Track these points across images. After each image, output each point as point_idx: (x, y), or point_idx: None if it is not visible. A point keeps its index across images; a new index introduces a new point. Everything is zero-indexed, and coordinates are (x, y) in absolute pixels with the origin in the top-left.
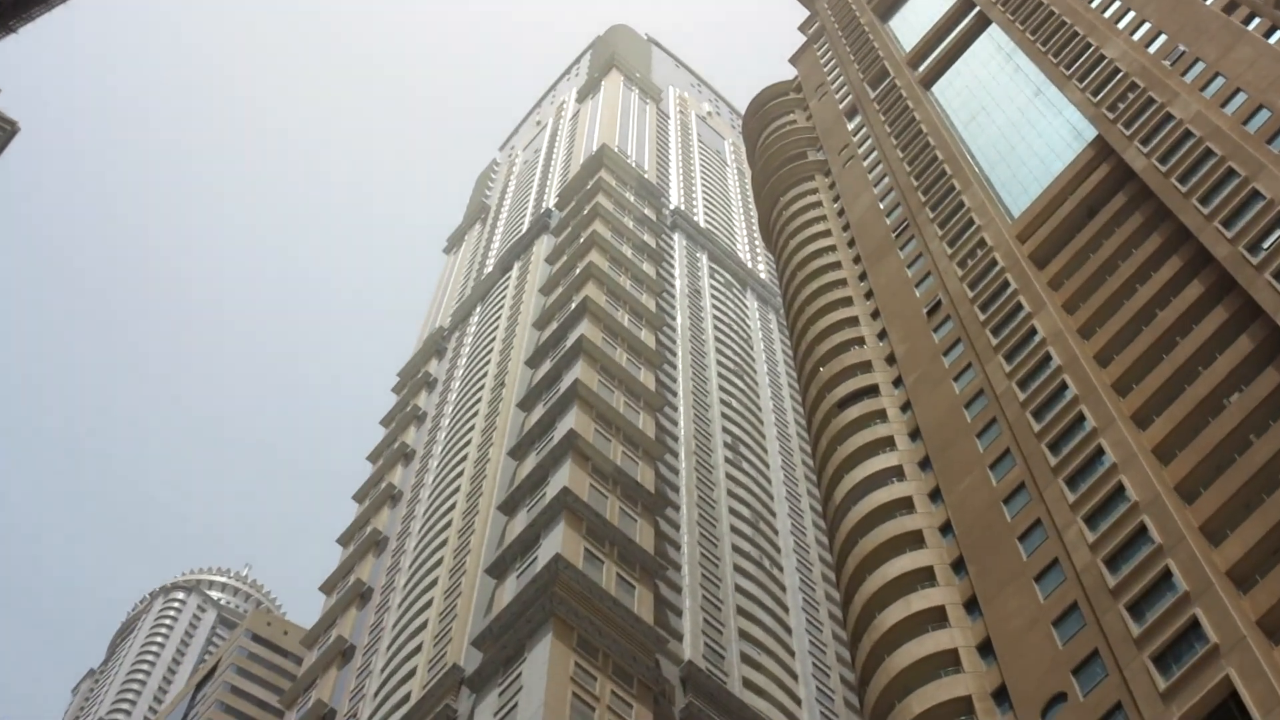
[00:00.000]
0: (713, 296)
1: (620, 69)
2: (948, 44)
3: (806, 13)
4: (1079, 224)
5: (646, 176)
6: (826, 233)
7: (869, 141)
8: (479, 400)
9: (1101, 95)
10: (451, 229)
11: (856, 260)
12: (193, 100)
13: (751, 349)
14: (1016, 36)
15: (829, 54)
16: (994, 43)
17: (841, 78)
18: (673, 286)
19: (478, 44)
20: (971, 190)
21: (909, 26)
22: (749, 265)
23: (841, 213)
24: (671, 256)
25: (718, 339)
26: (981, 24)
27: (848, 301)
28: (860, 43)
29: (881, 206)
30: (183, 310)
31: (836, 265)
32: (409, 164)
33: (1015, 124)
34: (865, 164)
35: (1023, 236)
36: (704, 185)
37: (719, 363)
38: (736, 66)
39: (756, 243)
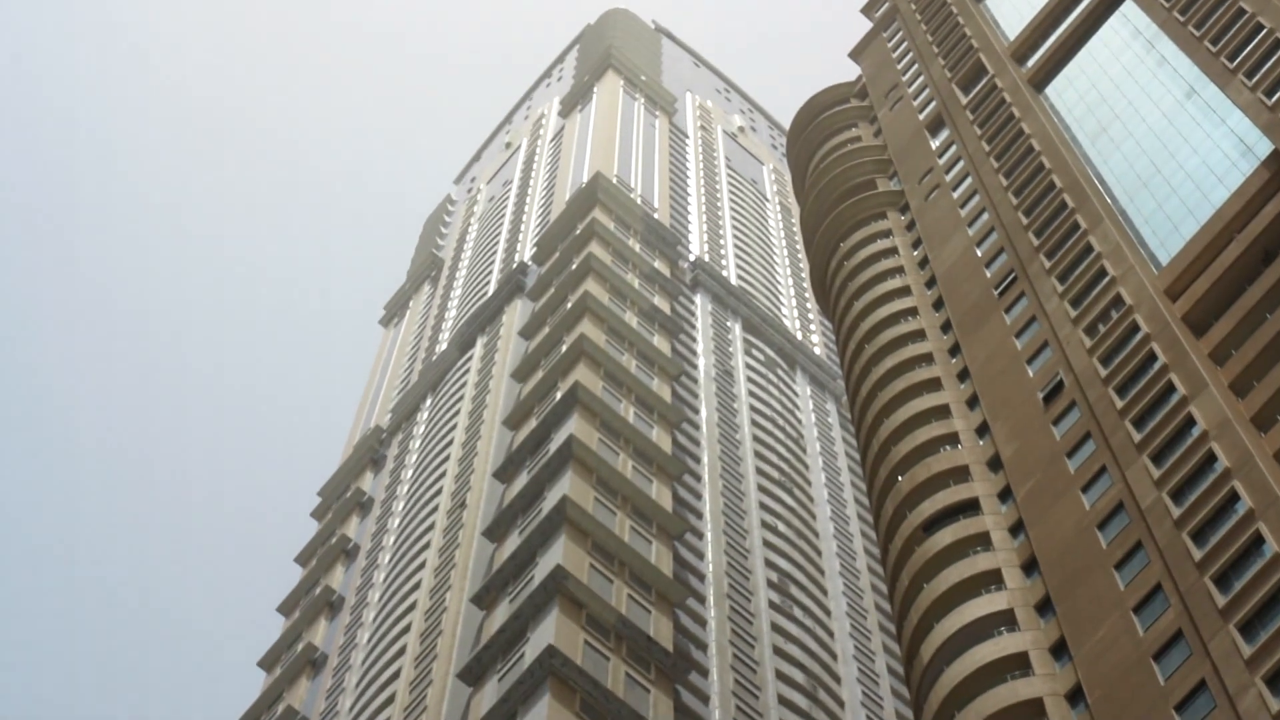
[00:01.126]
0: (750, 380)
1: (619, 69)
2: (1066, 29)
3: None
4: (1251, 273)
5: (656, 217)
6: (904, 290)
7: (960, 164)
8: (430, 527)
9: None
10: (390, 292)
11: (945, 327)
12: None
13: (804, 452)
14: (1160, 17)
15: (904, 45)
16: (1129, 26)
17: (922, 77)
18: (694, 367)
19: (425, 44)
20: (1102, 229)
21: (1012, 5)
22: (798, 336)
23: (924, 263)
24: (693, 326)
25: (757, 439)
26: (1112, 0)
27: (934, 384)
28: (948, 29)
29: (979, 253)
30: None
31: (918, 335)
32: (331, 201)
33: (1161, 137)
34: (956, 195)
35: (1173, 292)
36: (735, 228)
37: (759, 471)
38: (777, 64)
39: (809, 304)
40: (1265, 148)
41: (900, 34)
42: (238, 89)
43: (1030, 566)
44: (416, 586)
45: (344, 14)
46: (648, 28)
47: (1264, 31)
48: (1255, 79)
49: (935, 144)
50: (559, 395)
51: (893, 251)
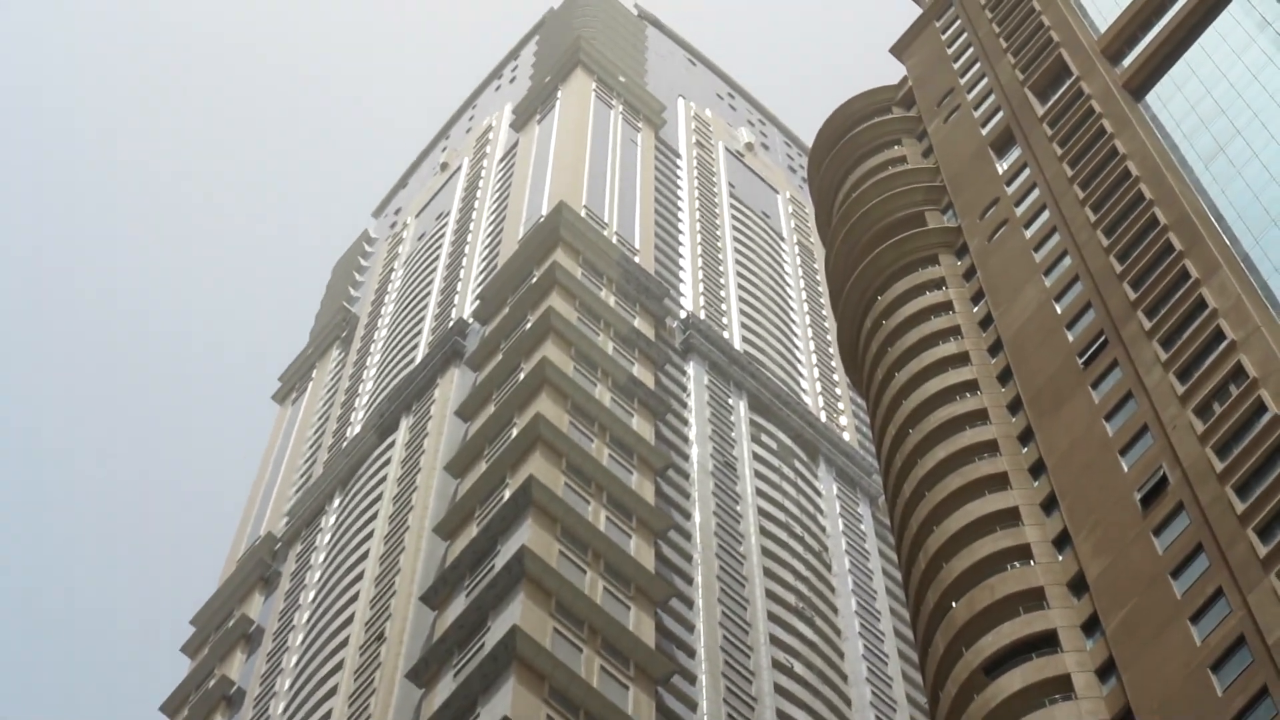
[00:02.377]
0: (758, 475)
1: (591, 66)
2: (1173, 18)
3: None
4: None
5: (638, 261)
6: (960, 357)
7: (1035, 193)
8: (336, 668)
9: None
10: (287, 358)
11: (1014, 406)
12: None
13: (828, 569)
14: None
15: (963, 38)
16: (1254, 15)
17: (986, 80)
18: (685, 458)
19: (335, 35)
20: (1219, 279)
21: None
22: (822, 418)
23: (987, 321)
24: (684, 404)
25: (767, 552)
26: None
27: (999, 481)
28: (1020, 17)
29: (1059, 310)
30: None
31: (978, 416)
32: (211, 237)
33: None
34: (1029, 234)
35: None
36: (741, 275)
37: (770, 594)
38: (797, 62)
39: (836, 375)
40: None
41: (958, 23)
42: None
43: None
44: None
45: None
46: (628, 13)
47: None
48: None
49: (1003, 167)
50: (507, 495)
51: (946, 307)
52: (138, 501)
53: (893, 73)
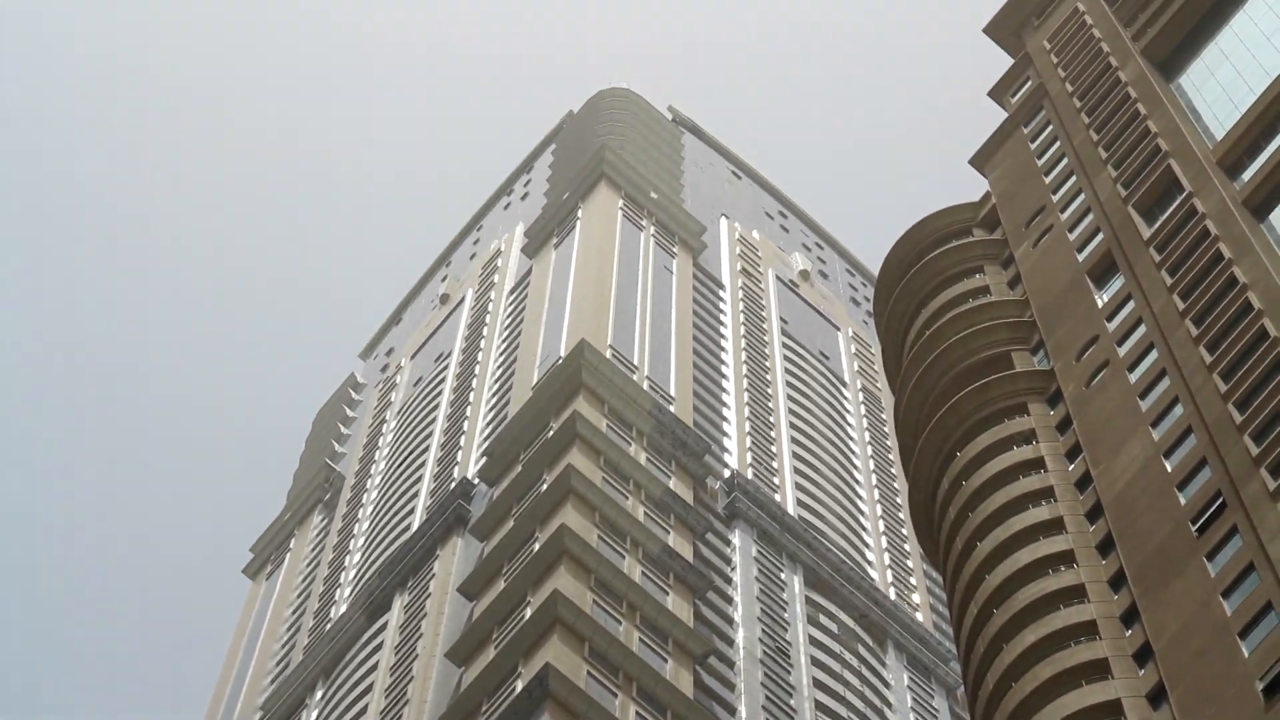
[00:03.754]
0: (815, 663)
1: (617, 180)
2: None
3: (1003, 61)
4: None
5: (673, 410)
6: (1054, 524)
7: (1141, 330)
8: None
9: None
10: (260, 526)
11: (1117, 582)
12: None
13: None
14: None
15: (1056, 146)
16: None
17: (1082, 196)
18: (730, 643)
19: (318, 142)
20: None
21: (1221, 87)
22: (891, 596)
23: (1085, 481)
24: (728, 576)
25: None
26: None
27: (1099, 668)
28: (1123, 121)
29: (1168, 467)
30: None
31: (1074, 594)
32: (176, 399)
33: None
34: (1134, 378)
35: None
36: (795, 428)
37: None
38: (862, 175)
39: (908, 546)
40: None
41: (1050, 130)
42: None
43: None
44: None
45: (204, 108)
46: (662, 118)
47: None
48: None
49: (1103, 299)
50: (520, 687)
51: (1037, 464)
52: (100, 694)
53: (973, 188)
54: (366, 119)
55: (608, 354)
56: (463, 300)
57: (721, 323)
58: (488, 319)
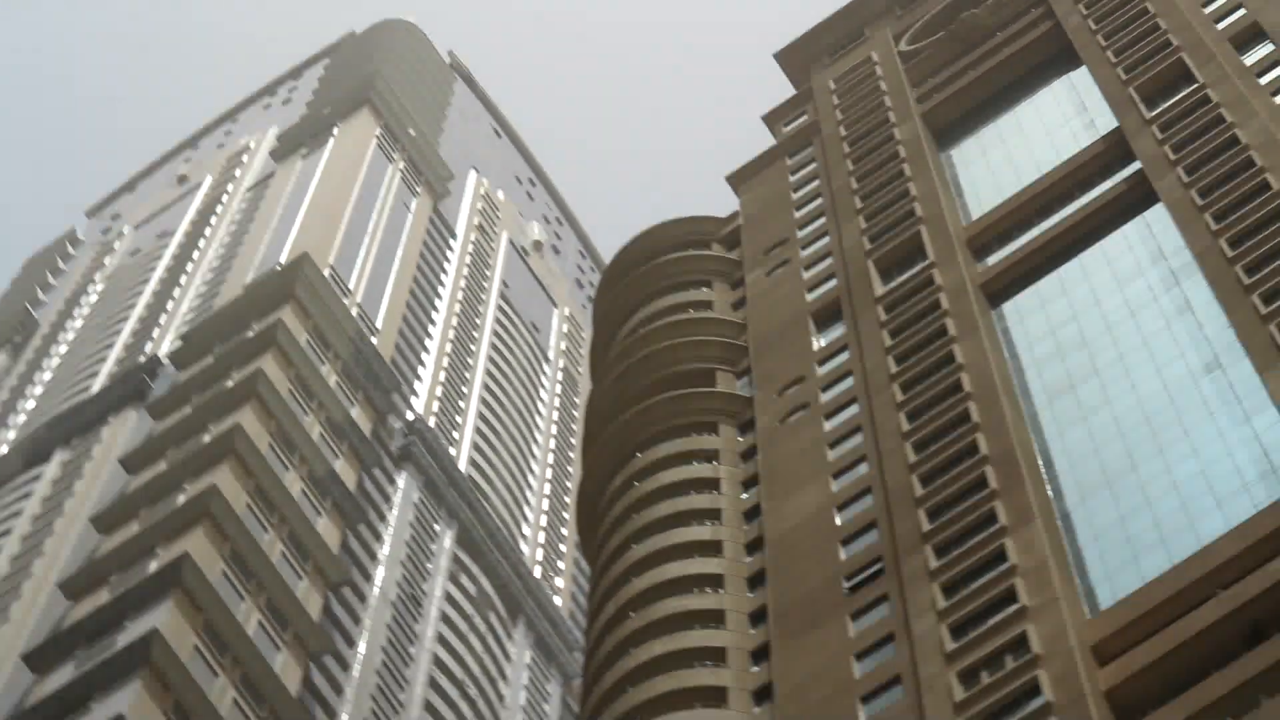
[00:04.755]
0: (444, 620)
1: (380, 109)
2: (1057, 224)
3: (788, 89)
4: (1223, 650)
5: (375, 344)
6: (713, 545)
7: (849, 382)
8: None
9: None
10: None
11: (758, 616)
12: None
13: None
14: (1201, 243)
15: (814, 184)
16: (1152, 244)
17: (827, 239)
18: (368, 575)
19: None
20: (1029, 534)
21: (988, 170)
22: (536, 575)
23: (754, 512)
24: (384, 515)
25: (430, 709)
26: (1140, 195)
27: (716, 696)
28: (885, 177)
29: (838, 520)
30: None
31: (714, 618)
32: None
33: (1152, 420)
34: (829, 427)
35: (1104, 653)
36: (487, 389)
37: None
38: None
39: (566, 533)
40: None
41: (812, 167)
42: None
43: None
44: None
45: None
46: (439, 59)
47: None
48: None
49: (819, 343)
50: (151, 569)
51: (712, 484)
52: None
53: (729, 204)
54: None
55: (326, 273)
56: (199, 185)
57: (444, 270)
58: (219, 209)
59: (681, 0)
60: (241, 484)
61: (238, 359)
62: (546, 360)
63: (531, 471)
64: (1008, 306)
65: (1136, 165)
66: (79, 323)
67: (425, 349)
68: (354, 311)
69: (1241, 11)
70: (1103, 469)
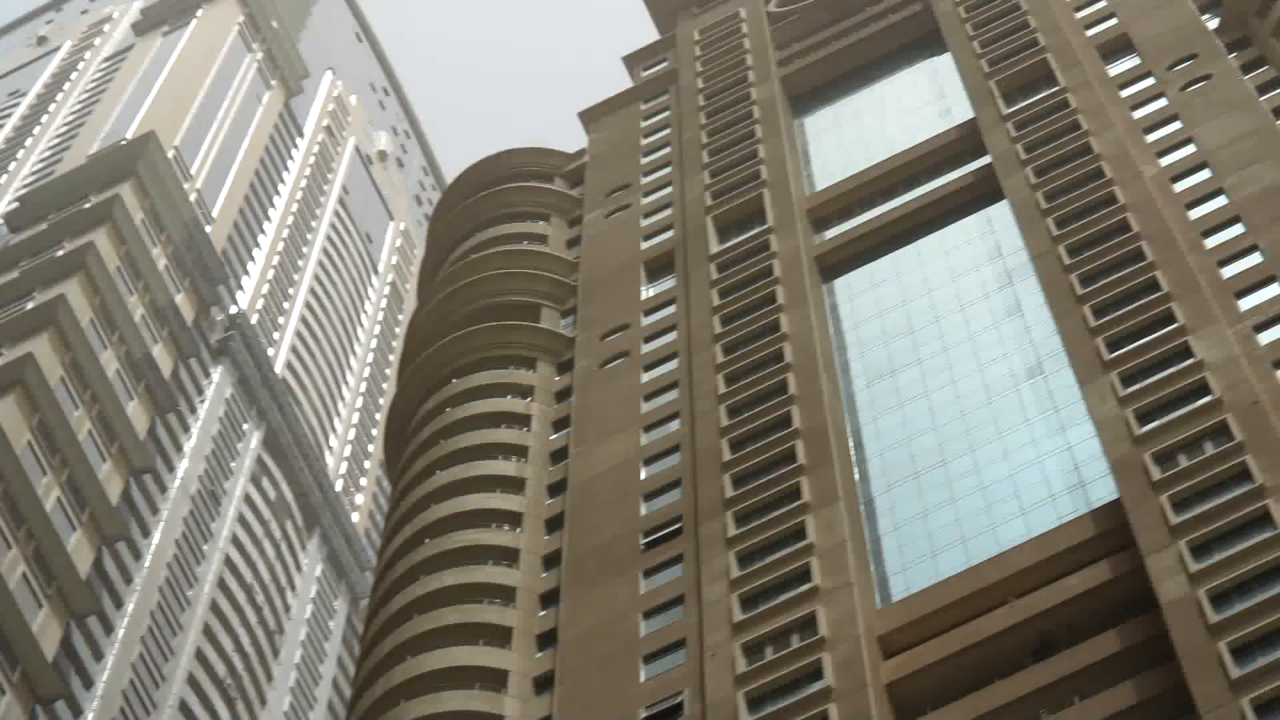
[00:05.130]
0: (240, 520)
1: None
2: (899, 206)
3: (651, 33)
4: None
5: (209, 232)
6: (516, 482)
7: (672, 336)
8: None
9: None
10: None
11: (552, 560)
12: None
13: (275, 658)
14: (1040, 245)
15: (666, 132)
16: (991, 240)
17: (670, 189)
18: (171, 466)
19: None
20: (829, 515)
21: (838, 143)
22: (337, 488)
23: (561, 454)
24: (194, 406)
25: (215, 610)
26: (987, 190)
27: (501, 635)
28: (734, 136)
29: (644, 474)
30: None
31: (507, 555)
32: None
33: (966, 417)
34: (646, 379)
35: (889, 645)
36: (313, 294)
37: (199, 654)
38: (482, 85)
39: (371, 450)
40: (1103, 492)
41: (666, 114)
42: None
43: None
44: None
45: None
46: None
47: (1173, 327)
48: (1133, 389)
49: (649, 293)
50: None
51: (523, 420)
52: None
53: (580, 139)
54: None
55: (170, 154)
56: (58, 49)
57: (286, 169)
58: (73, 76)
59: None
60: (59, 356)
61: (72, 229)
62: (375, 273)
63: (346, 383)
64: (839, 283)
65: (987, 160)
66: None
67: (257, 245)
68: (192, 197)
69: (1113, 21)
70: (912, 459)
